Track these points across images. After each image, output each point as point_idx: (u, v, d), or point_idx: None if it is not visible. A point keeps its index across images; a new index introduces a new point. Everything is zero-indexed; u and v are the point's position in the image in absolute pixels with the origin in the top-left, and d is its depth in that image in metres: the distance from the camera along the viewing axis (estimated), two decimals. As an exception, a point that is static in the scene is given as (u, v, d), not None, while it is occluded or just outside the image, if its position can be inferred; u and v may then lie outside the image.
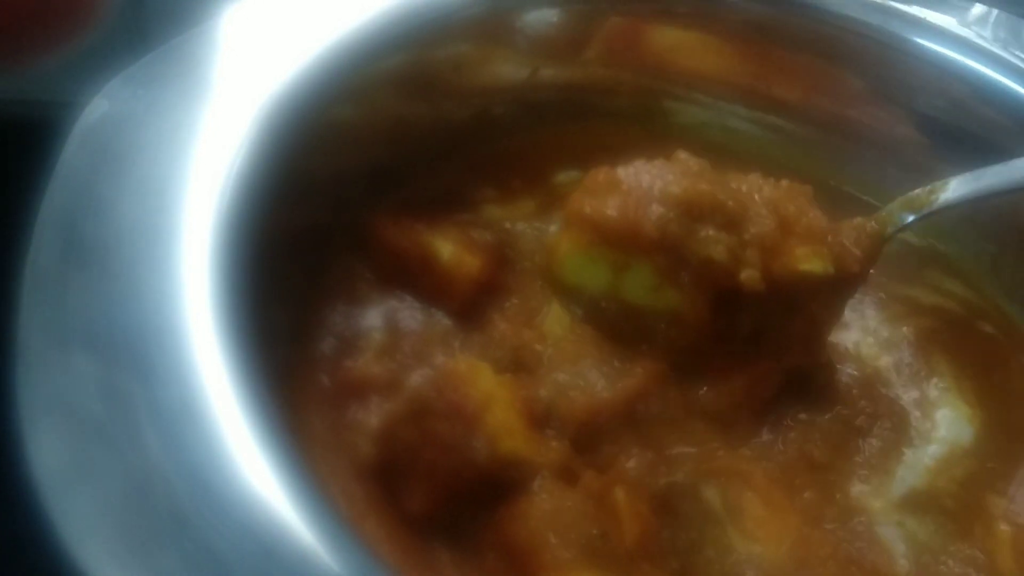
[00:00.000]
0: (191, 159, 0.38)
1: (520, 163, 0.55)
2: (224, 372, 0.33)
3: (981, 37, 0.53)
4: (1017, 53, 0.53)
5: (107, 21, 0.49)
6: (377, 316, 0.46)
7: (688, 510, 0.43)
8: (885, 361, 0.51)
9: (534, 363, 0.45)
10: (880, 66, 0.55)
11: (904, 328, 0.52)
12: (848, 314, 0.53)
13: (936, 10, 0.55)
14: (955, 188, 0.46)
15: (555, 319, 0.47)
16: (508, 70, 0.55)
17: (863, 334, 0.52)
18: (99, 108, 0.38)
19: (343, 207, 0.48)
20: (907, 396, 0.49)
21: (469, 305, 0.47)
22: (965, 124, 0.54)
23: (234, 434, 0.31)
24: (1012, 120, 0.52)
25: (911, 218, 0.47)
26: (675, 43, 0.57)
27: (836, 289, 0.46)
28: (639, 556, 0.40)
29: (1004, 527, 0.44)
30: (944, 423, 0.48)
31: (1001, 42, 0.53)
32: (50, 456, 0.30)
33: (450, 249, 0.47)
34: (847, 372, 0.49)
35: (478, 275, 0.47)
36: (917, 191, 0.47)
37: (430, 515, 0.40)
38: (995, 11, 0.55)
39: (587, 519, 0.39)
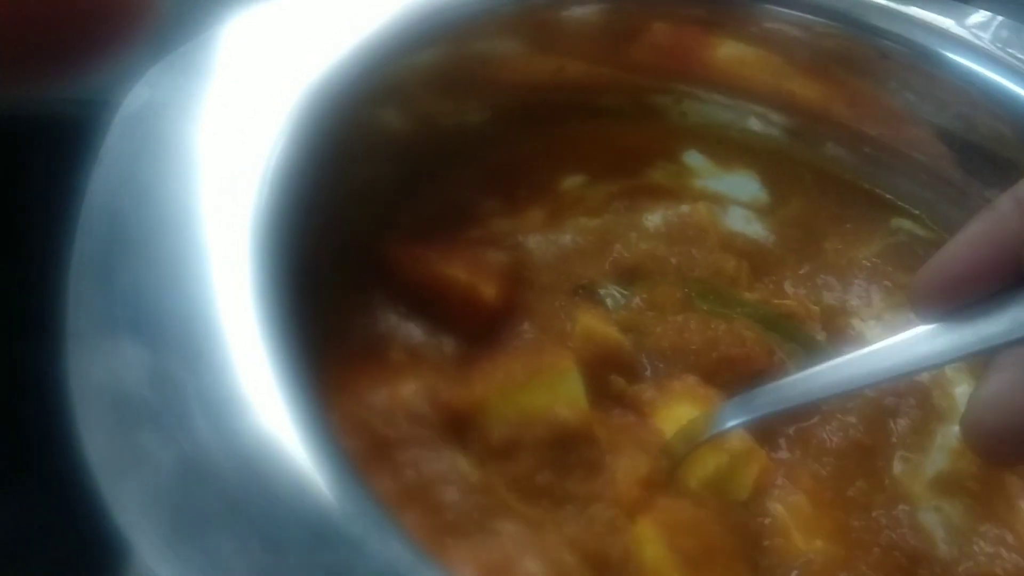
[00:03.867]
0: (231, 146, 0.36)
1: (526, 170, 0.53)
2: (265, 359, 0.31)
3: (980, 41, 0.52)
4: (1020, 57, 0.51)
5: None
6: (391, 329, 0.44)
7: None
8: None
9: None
10: (902, 75, 0.53)
11: (910, 314, 0.50)
12: (854, 301, 0.52)
13: (937, 13, 0.54)
14: (726, 414, 0.42)
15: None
16: (533, 67, 0.53)
17: (868, 319, 0.51)
18: (140, 96, 0.36)
19: (358, 217, 0.46)
20: (923, 375, 0.47)
21: (487, 329, 0.45)
22: (988, 141, 0.52)
23: (279, 423, 0.30)
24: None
25: (697, 443, 0.42)
26: (699, 46, 0.56)
27: None
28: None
29: (1024, 505, 0.43)
30: (963, 400, 0.46)
31: (1002, 43, 0.52)
32: (102, 442, 0.29)
33: (464, 279, 0.45)
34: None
35: (493, 303, 0.45)
36: (689, 422, 0.42)
37: None
38: (999, 18, 0.54)
39: None
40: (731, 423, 0.41)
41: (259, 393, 0.31)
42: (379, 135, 0.47)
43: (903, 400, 0.46)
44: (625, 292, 0.49)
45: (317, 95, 0.40)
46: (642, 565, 0.37)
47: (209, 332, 0.31)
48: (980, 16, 0.54)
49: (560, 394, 0.41)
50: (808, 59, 0.54)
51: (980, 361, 0.38)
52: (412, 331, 0.44)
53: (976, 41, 0.51)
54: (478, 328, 0.44)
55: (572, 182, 0.53)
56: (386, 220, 0.47)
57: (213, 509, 0.28)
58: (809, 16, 0.53)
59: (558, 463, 0.41)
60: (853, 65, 0.53)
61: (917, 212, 0.56)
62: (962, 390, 0.48)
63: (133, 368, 0.30)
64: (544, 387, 0.41)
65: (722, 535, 0.38)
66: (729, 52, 0.54)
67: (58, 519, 0.31)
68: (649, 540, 0.37)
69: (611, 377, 0.44)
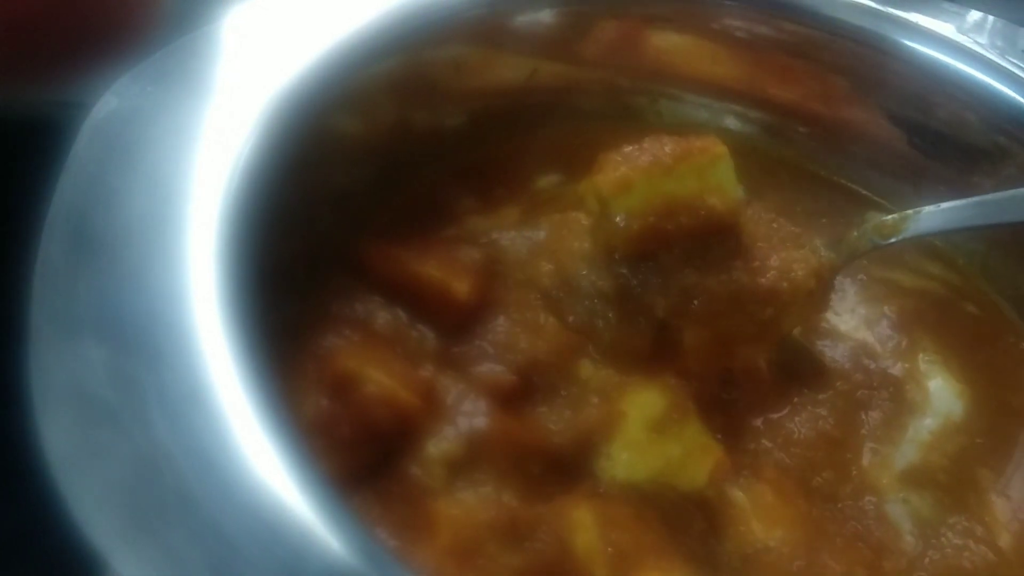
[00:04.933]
0: (197, 153, 0.36)
1: (502, 170, 0.53)
2: (228, 358, 0.31)
3: (978, 44, 0.52)
4: (1012, 60, 0.51)
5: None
6: (373, 314, 0.44)
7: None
8: (866, 335, 0.48)
9: (532, 374, 0.42)
10: (871, 68, 0.53)
11: (885, 307, 0.50)
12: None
13: (933, 16, 0.53)
14: (925, 219, 0.44)
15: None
16: (507, 72, 0.53)
17: (842, 313, 0.50)
18: (108, 104, 0.37)
19: (333, 218, 0.46)
20: (896, 368, 0.47)
21: (461, 323, 0.44)
22: (967, 136, 0.52)
23: (238, 418, 0.30)
24: (985, 120, 0.51)
25: (880, 244, 0.45)
26: (672, 46, 0.56)
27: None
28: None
29: (995, 499, 0.42)
30: (937, 394, 0.46)
31: (998, 49, 0.51)
32: (61, 439, 0.29)
33: (437, 277, 0.44)
34: (835, 348, 0.47)
35: (466, 299, 0.44)
36: (888, 217, 0.45)
37: None
38: (991, 18, 0.53)
39: None
40: (922, 231, 0.42)
41: (219, 390, 0.31)
42: (352, 139, 0.47)
43: (876, 393, 0.46)
44: None
45: (285, 102, 0.40)
46: (573, 553, 0.36)
47: (170, 332, 0.32)
48: (975, 16, 0.54)
49: (711, 181, 0.40)
50: (778, 56, 0.54)
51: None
52: (390, 314, 0.44)
53: (940, 33, 0.51)
54: (453, 322, 0.44)
55: (547, 181, 0.53)
56: (362, 220, 0.47)
57: (168, 504, 0.28)
58: (776, 13, 0.53)
59: (699, 258, 0.40)
60: (823, 61, 0.53)
61: (891, 206, 0.55)
62: (936, 384, 0.47)
63: (94, 368, 0.30)
64: (693, 172, 0.40)
65: (660, 533, 0.38)
66: (699, 51, 0.54)
67: (38, 526, 0.31)
68: (585, 528, 0.37)
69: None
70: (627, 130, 0.56)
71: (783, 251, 0.43)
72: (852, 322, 0.49)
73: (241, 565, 0.27)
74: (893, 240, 0.45)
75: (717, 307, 0.41)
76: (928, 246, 0.53)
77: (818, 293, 0.44)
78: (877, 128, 0.54)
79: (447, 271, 0.45)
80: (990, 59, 0.50)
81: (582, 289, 0.43)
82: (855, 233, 0.45)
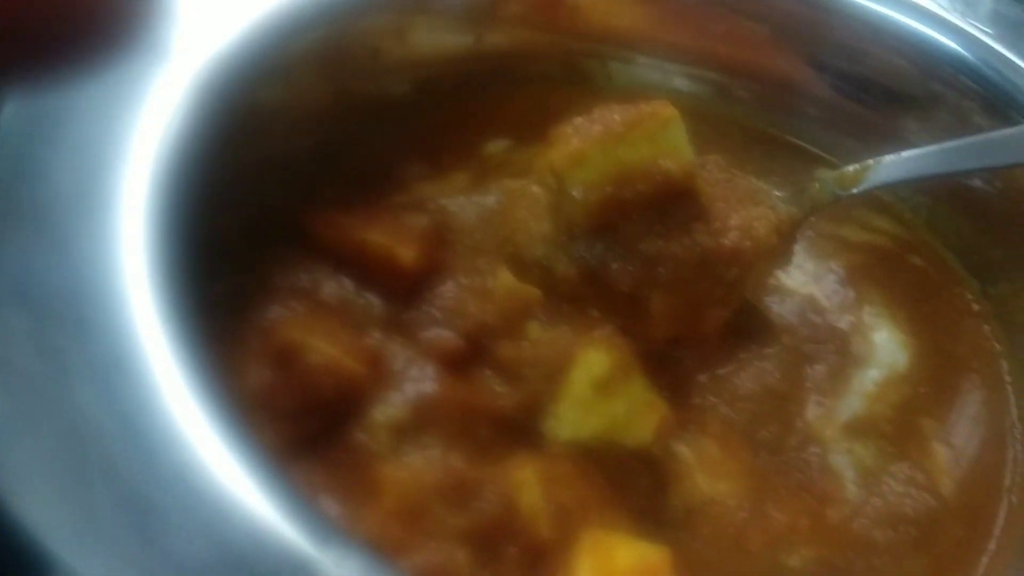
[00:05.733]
0: (127, 124, 0.35)
1: (450, 136, 0.51)
2: (158, 327, 0.31)
3: (939, 6, 0.51)
4: (972, 22, 0.51)
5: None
6: (319, 284, 0.43)
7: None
8: (814, 290, 0.48)
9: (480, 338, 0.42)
10: (804, 22, 0.53)
11: (832, 263, 0.50)
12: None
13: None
14: (885, 169, 0.44)
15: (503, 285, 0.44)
16: (450, 38, 0.52)
17: (790, 269, 0.49)
18: (32, 74, 0.36)
19: (277, 188, 0.45)
20: (843, 321, 0.47)
21: (410, 290, 0.43)
22: (906, 87, 0.52)
23: (167, 386, 0.30)
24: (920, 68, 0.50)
25: (841, 195, 0.45)
26: (620, 7, 0.55)
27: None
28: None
29: (937, 446, 0.43)
30: (882, 346, 0.47)
31: (959, 13, 0.51)
32: (-14, 413, 0.29)
33: (383, 244, 0.43)
34: (783, 304, 0.47)
35: (413, 266, 0.43)
36: (849, 168, 0.45)
37: None
38: None
39: None
40: (883, 180, 0.42)
41: (147, 359, 0.30)
42: (292, 109, 0.45)
43: (822, 347, 0.46)
44: None
45: (217, 71, 0.39)
46: (518, 512, 0.36)
47: (97, 302, 0.31)
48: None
49: (664, 145, 0.40)
50: (721, 13, 0.53)
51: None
52: (336, 283, 0.43)
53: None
54: (401, 289, 0.43)
55: (496, 146, 0.52)
56: (307, 189, 0.46)
57: (94, 470, 0.28)
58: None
59: (660, 224, 0.40)
60: (758, 16, 0.52)
61: (839, 162, 0.55)
62: (881, 336, 0.47)
63: (17, 338, 0.30)
64: (646, 138, 0.39)
65: (604, 489, 0.38)
66: (643, 10, 0.53)
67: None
68: (528, 486, 0.37)
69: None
70: (578, 94, 0.56)
71: (743, 209, 0.42)
72: (800, 278, 0.49)
73: (166, 530, 0.27)
74: (855, 191, 0.45)
75: (683, 272, 0.41)
76: (875, 200, 0.53)
77: (780, 248, 0.44)
78: (819, 85, 0.53)
79: (393, 238, 0.44)
80: (924, 8, 0.50)
81: (545, 274, 0.43)
82: (816, 185, 0.45)
